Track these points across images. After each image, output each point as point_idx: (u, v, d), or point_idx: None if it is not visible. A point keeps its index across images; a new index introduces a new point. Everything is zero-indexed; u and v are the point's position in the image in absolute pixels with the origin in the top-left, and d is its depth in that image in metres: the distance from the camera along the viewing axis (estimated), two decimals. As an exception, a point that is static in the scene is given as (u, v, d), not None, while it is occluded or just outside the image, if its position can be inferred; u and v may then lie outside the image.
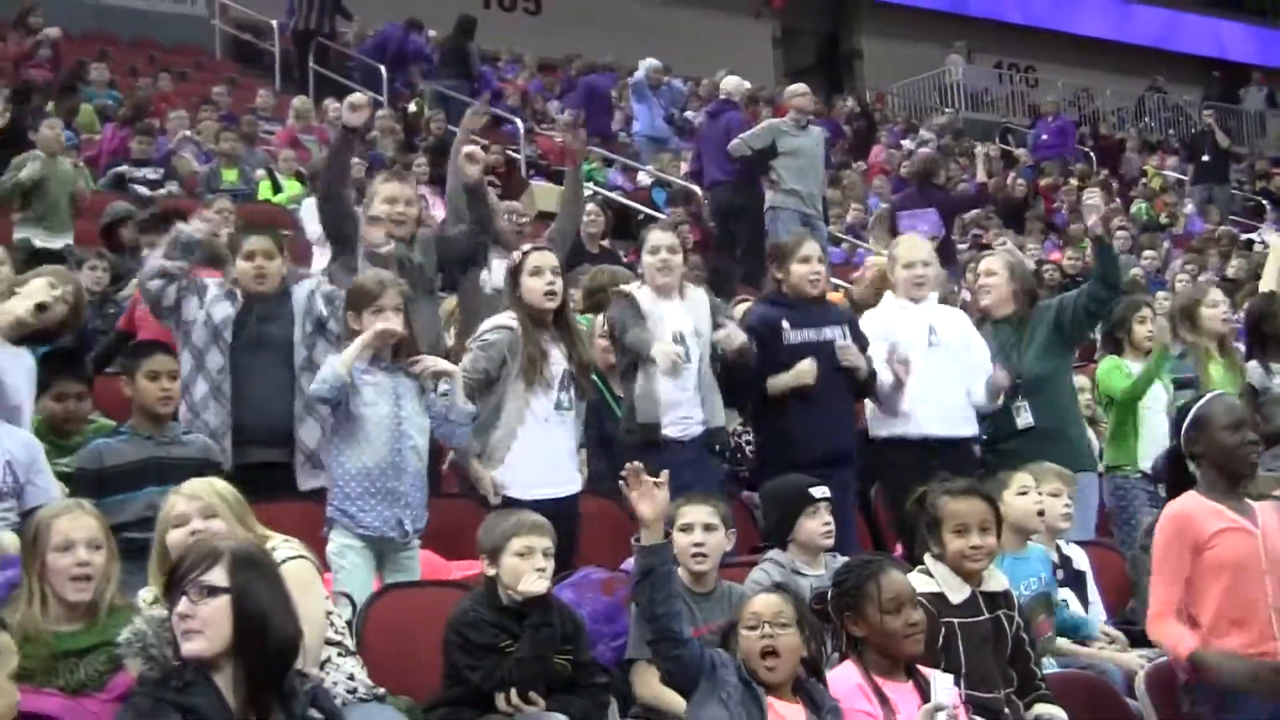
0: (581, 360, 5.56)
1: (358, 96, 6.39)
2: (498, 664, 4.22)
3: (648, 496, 4.20)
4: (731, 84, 12.31)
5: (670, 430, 5.82)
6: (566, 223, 6.63)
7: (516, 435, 5.42)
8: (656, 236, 6.08)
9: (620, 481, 4.28)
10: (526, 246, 5.69)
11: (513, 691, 4.18)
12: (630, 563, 5.40)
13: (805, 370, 5.96)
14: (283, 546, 3.96)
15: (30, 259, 7.66)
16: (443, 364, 5.20)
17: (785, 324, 6.10)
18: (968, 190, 13.09)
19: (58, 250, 8.91)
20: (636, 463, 4.28)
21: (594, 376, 6.42)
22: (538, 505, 4.90)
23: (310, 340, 5.65)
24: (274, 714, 3.12)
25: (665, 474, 4.25)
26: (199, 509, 3.91)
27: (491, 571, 4.41)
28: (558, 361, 5.50)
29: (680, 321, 5.93)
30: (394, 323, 5.04)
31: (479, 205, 6.44)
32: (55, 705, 3.66)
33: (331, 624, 4.09)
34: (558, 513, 4.95)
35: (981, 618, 4.42)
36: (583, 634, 4.49)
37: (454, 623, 4.32)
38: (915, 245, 6.54)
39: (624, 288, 6.11)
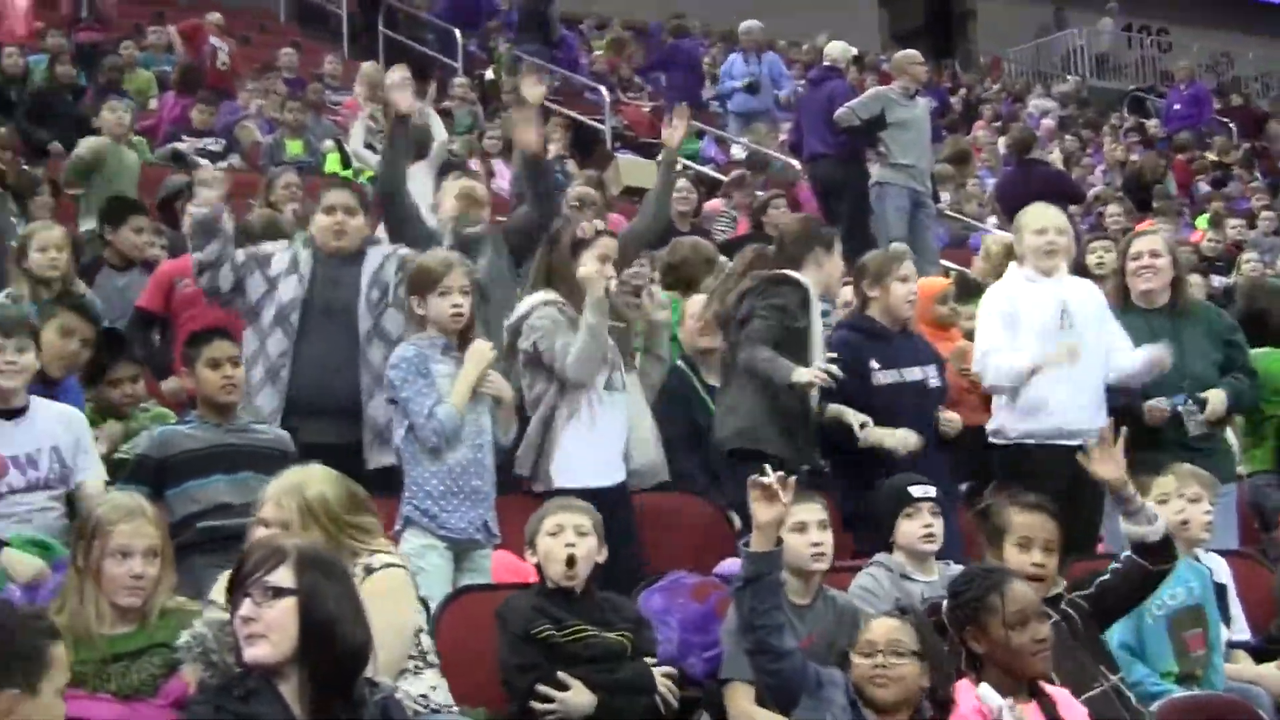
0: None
1: (397, 74, 6.39)
2: (541, 661, 4.35)
3: (769, 499, 4.17)
4: (836, 49, 12.19)
5: None
6: (651, 221, 6.32)
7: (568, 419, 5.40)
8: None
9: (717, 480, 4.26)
10: (599, 224, 5.63)
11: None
12: (724, 566, 5.42)
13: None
14: (382, 553, 3.95)
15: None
16: (506, 391, 5.19)
17: (874, 362, 5.94)
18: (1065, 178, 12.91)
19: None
20: (766, 465, 4.26)
21: (681, 364, 6.42)
22: (587, 495, 4.94)
23: (377, 309, 5.66)
24: (342, 724, 3.13)
25: (792, 478, 4.21)
26: (278, 519, 3.86)
27: (533, 559, 4.55)
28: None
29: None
30: (464, 305, 5.08)
31: (540, 179, 6.39)
32: (109, 712, 3.71)
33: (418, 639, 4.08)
34: (607, 502, 5.00)
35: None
36: (644, 627, 4.61)
37: (496, 613, 4.44)
38: (1045, 210, 6.40)
39: (793, 275, 5.83)
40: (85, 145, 9.62)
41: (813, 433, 5.77)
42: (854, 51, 13.63)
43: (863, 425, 5.61)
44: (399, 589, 3.93)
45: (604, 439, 5.40)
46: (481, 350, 5.04)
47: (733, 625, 4.59)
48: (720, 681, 4.58)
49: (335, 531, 3.82)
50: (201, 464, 4.97)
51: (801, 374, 5.50)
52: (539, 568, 4.57)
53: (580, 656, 4.44)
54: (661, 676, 4.53)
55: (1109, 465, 4.51)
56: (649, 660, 4.55)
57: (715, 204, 11.94)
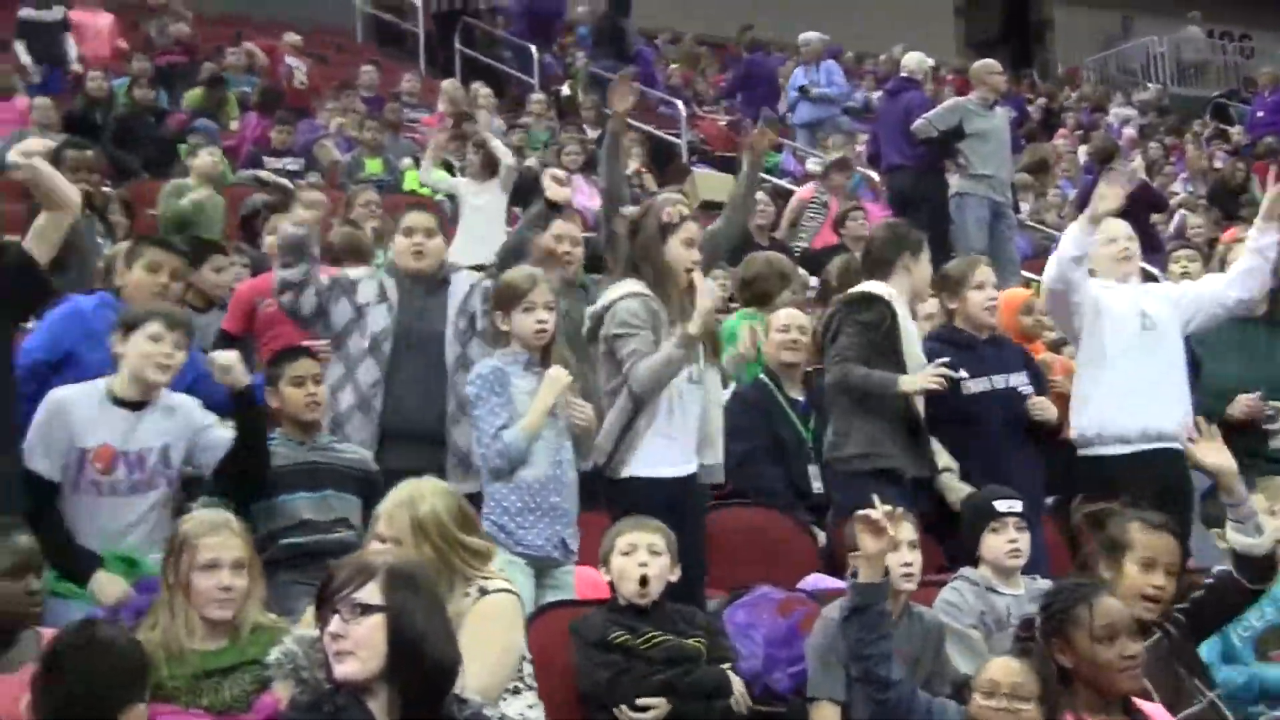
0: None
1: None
2: (621, 662, 4.39)
3: (876, 531, 4.16)
4: (913, 60, 12.15)
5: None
6: (730, 226, 6.22)
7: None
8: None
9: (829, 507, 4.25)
10: (684, 209, 5.59)
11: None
12: (808, 581, 5.41)
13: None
14: (496, 578, 3.97)
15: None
16: (589, 420, 5.18)
17: (963, 372, 5.94)
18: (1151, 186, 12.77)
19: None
20: (874, 497, 4.26)
21: (764, 377, 6.41)
22: (660, 484, 4.98)
23: (464, 337, 5.69)
24: (430, 743, 3.15)
25: (900, 510, 4.19)
26: (390, 535, 3.87)
27: (607, 577, 4.59)
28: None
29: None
30: (548, 321, 5.08)
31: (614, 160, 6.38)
32: (205, 726, 3.77)
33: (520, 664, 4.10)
34: (683, 492, 5.02)
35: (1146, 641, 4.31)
36: (718, 635, 4.66)
37: (571, 627, 4.47)
38: (1110, 220, 6.36)
39: (881, 293, 5.77)
40: (190, 200, 9.61)
41: (925, 438, 5.75)
42: (931, 62, 13.57)
43: None
44: (510, 614, 3.95)
45: (680, 430, 5.32)
46: (557, 378, 5.02)
47: (818, 643, 4.61)
48: (806, 699, 4.59)
49: (447, 550, 3.82)
50: (286, 480, 5.02)
51: (906, 381, 5.52)
52: (612, 586, 4.62)
53: (656, 660, 4.47)
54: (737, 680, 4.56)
55: (1216, 453, 4.47)
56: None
57: (807, 191, 11.92)
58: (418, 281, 5.75)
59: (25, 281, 4.60)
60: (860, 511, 4.20)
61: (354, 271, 5.94)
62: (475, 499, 5.27)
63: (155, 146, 11.88)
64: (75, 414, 4.66)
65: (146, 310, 4.93)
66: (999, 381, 6.00)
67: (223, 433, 4.90)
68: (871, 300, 5.71)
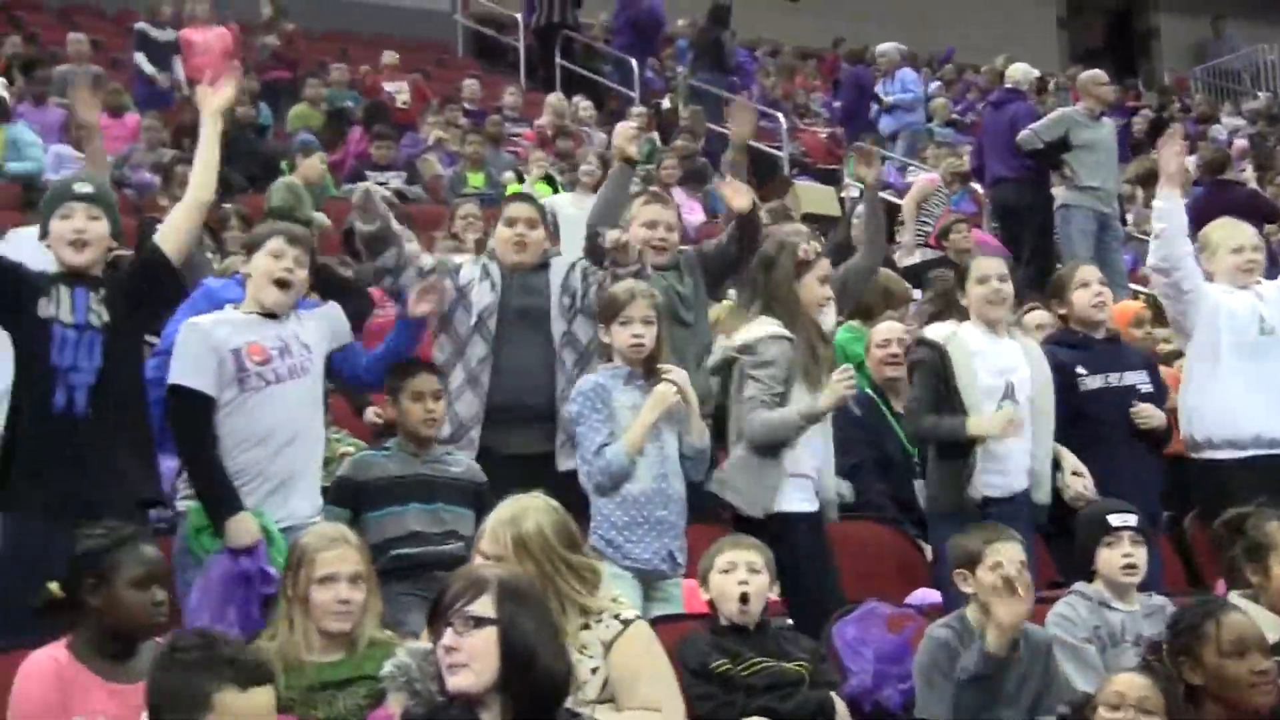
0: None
1: (628, 126, 6.50)
2: (720, 694, 4.37)
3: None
4: (1019, 72, 12.06)
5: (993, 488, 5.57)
6: (869, 259, 6.08)
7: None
8: (986, 265, 5.80)
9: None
10: (819, 246, 5.61)
11: None
12: (917, 596, 5.38)
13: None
14: (620, 603, 3.96)
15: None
16: (690, 392, 5.18)
17: (1080, 369, 5.91)
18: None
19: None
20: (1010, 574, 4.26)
21: (870, 392, 6.38)
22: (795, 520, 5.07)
23: (568, 314, 5.69)
24: (543, 754, 3.15)
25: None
26: (493, 552, 3.85)
27: (706, 596, 4.59)
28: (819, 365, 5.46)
29: (1010, 361, 5.67)
30: (645, 336, 5.08)
31: (750, 230, 6.30)
32: (324, 737, 3.82)
33: None
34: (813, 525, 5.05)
35: None
36: (822, 659, 4.63)
37: (677, 646, 4.43)
38: (1239, 227, 6.25)
39: (943, 335, 5.70)
40: (276, 197, 9.72)
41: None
42: (1036, 74, 13.46)
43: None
44: (655, 638, 3.95)
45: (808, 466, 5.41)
46: (663, 395, 5.01)
47: (924, 662, 4.58)
48: (914, 718, 4.56)
49: (550, 570, 3.78)
50: (399, 492, 5.04)
51: (975, 426, 5.47)
52: (712, 604, 4.61)
53: (758, 688, 4.44)
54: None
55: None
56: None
57: (933, 178, 11.87)
58: (517, 267, 5.77)
59: (159, 279, 4.69)
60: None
61: (456, 257, 5.98)
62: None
63: (257, 162, 12.03)
64: (215, 330, 4.73)
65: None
66: (1114, 379, 5.94)
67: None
68: (925, 345, 5.72)
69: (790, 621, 4.91)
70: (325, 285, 5.28)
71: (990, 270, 5.72)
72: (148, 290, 4.71)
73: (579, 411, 5.06)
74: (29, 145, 11.09)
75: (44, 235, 4.67)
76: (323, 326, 5.00)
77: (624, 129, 6.48)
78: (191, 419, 4.68)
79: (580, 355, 5.62)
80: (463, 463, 5.27)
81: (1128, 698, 3.96)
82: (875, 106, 15.88)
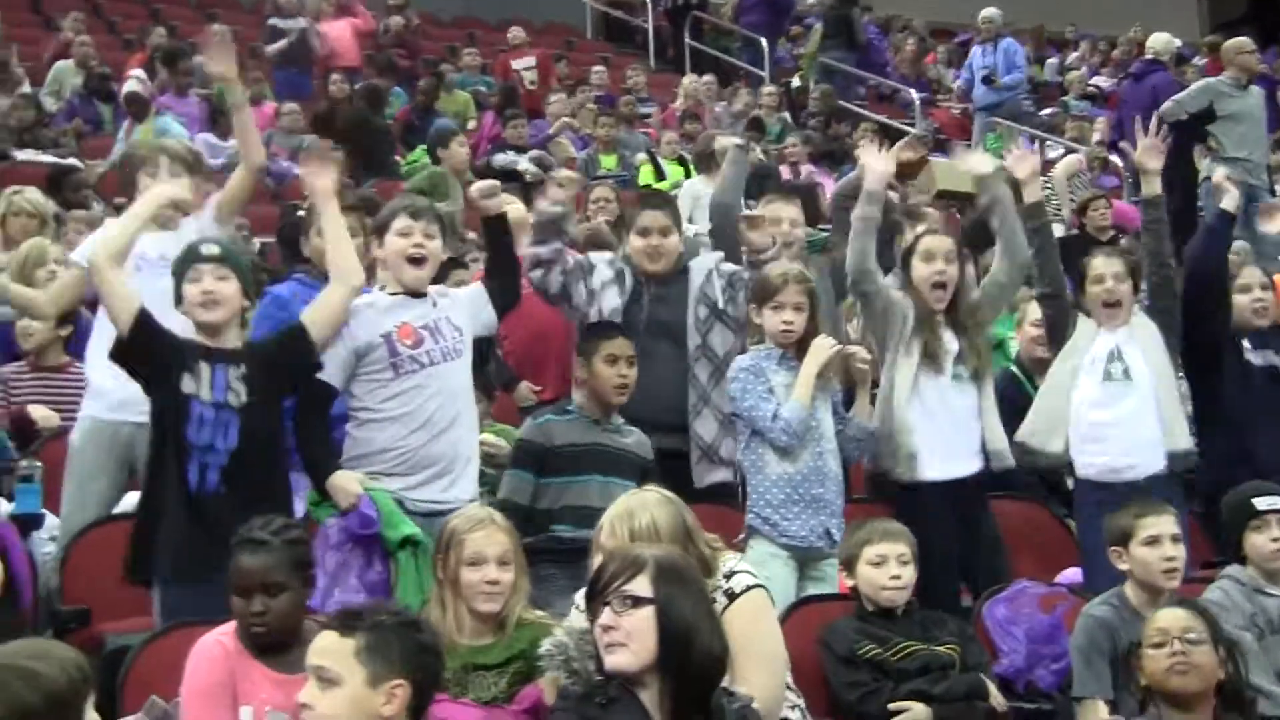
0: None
1: (730, 140, 6.50)
2: (869, 681, 4.38)
3: None
4: (1159, 41, 11.86)
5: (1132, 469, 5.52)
6: (1013, 269, 5.70)
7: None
8: (1100, 264, 5.70)
9: None
10: (921, 229, 5.57)
11: None
12: (1067, 575, 5.34)
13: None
14: (742, 572, 3.95)
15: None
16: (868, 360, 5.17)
17: (1245, 343, 5.87)
18: None
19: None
20: None
21: (1015, 369, 6.32)
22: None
23: (705, 325, 5.64)
24: (700, 733, 3.16)
25: None
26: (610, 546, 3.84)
27: (850, 582, 4.60)
28: (950, 341, 5.42)
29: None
30: (795, 321, 5.10)
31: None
32: (474, 717, 3.86)
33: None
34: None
35: None
36: (971, 640, 4.61)
37: (820, 638, 4.45)
38: None
39: None
40: (412, 182, 9.79)
41: None
42: (1177, 43, 13.22)
43: None
44: (765, 610, 3.94)
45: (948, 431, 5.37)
46: (822, 346, 5.05)
47: (1081, 642, 4.54)
48: (1071, 696, 4.52)
49: (683, 545, 3.77)
50: (585, 461, 5.03)
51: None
52: (856, 591, 4.61)
53: (909, 671, 4.44)
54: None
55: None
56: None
57: (1079, 158, 11.71)
58: (652, 276, 5.74)
59: (300, 359, 4.69)
60: None
61: (595, 255, 5.95)
62: (723, 489, 5.42)
63: (380, 149, 12.11)
64: (362, 314, 4.77)
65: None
66: (1276, 358, 5.88)
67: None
68: None
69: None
70: (495, 251, 5.21)
71: (1105, 270, 5.64)
72: (290, 367, 4.70)
73: (741, 388, 5.10)
74: (175, 137, 11.30)
75: (179, 301, 4.68)
76: (470, 309, 5.01)
77: (722, 142, 6.45)
78: (309, 405, 4.75)
79: (715, 368, 5.55)
80: (634, 433, 5.22)
81: (1170, 631, 4.01)
82: (967, 75, 15.55)
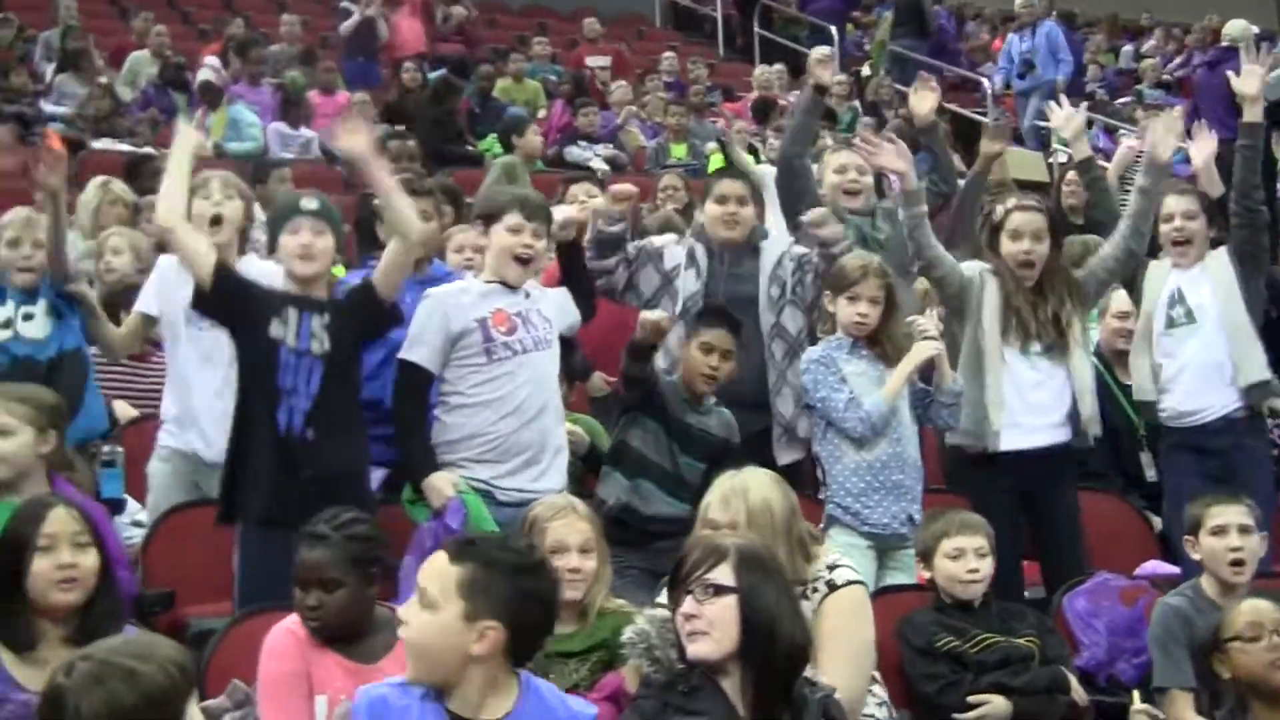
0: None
1: (822, 50, 6.47)
2: (948, 674, 4.36)
3: None
4: (1235, 28, 11.70)
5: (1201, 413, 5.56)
6: (1126, 254, 5.63)
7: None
8: (1172, 203, 5.75)
9: None
10: (1010, 203, 5.51)
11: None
12: (1147, 568, 5.30)
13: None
14: (845, 566, 3.96)
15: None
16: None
17: None
18: None
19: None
20: None
21: (1095, 359, 6.26)
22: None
23: (777, 305, 5.63)
24: (781, 723, 3.15)
25: None
26: (727, 520, 3.86)
27: (926, 574, 4.57)
28: (1037, 315, 5.37)
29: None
30: (870, 315, 5.11)
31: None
32: (555, 702, 3.85)
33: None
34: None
35: None
36: (1050, 633, 4.57)
37: (897, 630, 4.43)
38: None
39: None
40: (493, 172, 9.82)
41: None
42: (1255, 30, 13.02)
43: None
44: (863, 607, 3.95)
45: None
46: (924, 348, 5.04)
47: (1158, 633, 4.52)
48: (1153, 689, 4.48)
49: (774, 541, 3.77)
50: (680, 441, 5.08)
51: None
52: (932, 582, 4.59)
53: (988, 664, 4.41)
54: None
55: None
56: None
57: (1135, 145, 11.54)
58: (728, 249, 5.71)
59: (373, 314, 4.70)
60: None
61: (659, 239, 5.93)
62: (796, 469, 5.40)
63: (443, 137, 12.03)
64: (455, 302, 4.80)
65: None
66: None
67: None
68: None
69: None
70: (570, 275, 5.20)
71: (1175, 208, 5.68)
72: (363, 323, 4.72)
73: (814, 379, 5.10)
74: (249, 125, 11.40)
75: (272, 250, 4.76)
76: (558, 308, 5.02)
77: (819, 52, 6.44)
78: (409, 392, 4.79)
79: (789, 347, 5.55)
80: (721, 414, 5.22)
81: (1265, 624, 3.94)
82: (1008, 65, 15.41)
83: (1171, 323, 5.65)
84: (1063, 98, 9.53)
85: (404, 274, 4.76)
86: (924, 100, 6.59)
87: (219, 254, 4.66)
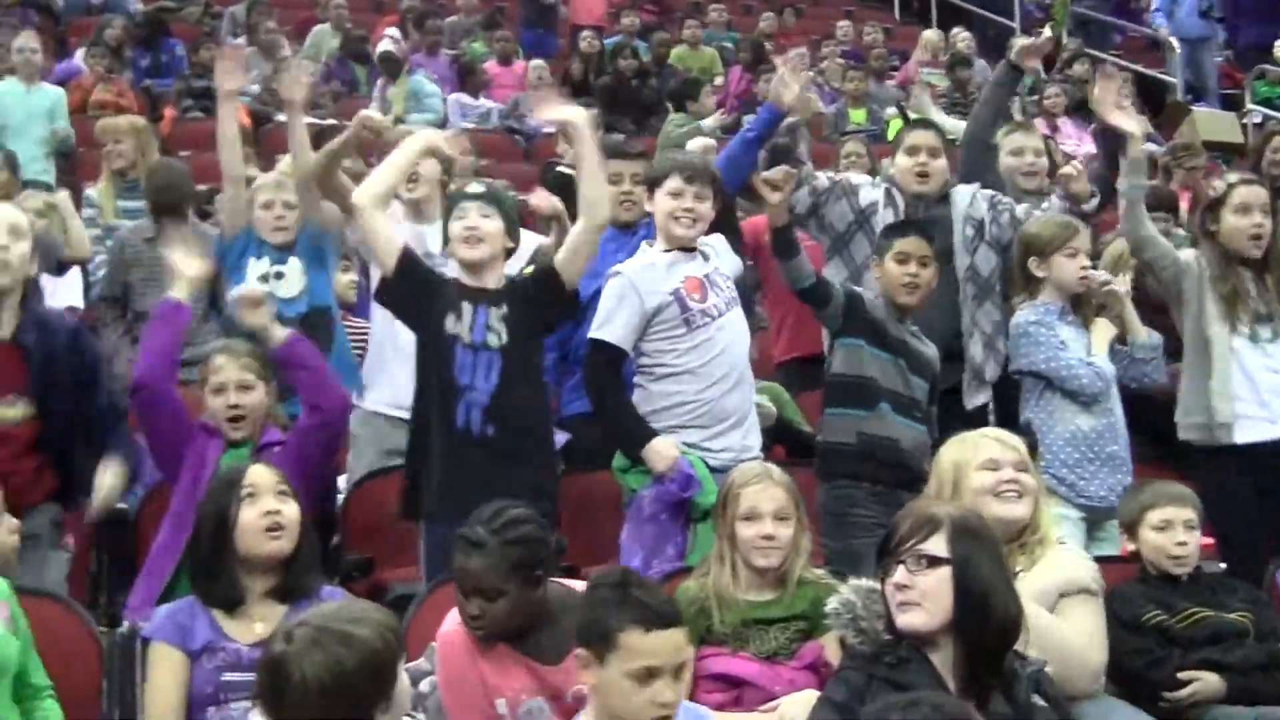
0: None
1: (1030, 40, 6.37)
2: (1155, 649, 4.22)
3: None
4: None
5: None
6: None
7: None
8: (1248, 193, 5.29)
9: None
10: (1233, 178, 5.34)
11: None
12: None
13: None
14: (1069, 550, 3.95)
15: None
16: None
17: None
18: None
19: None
20: None
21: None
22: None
23: (971, 245, 5.56)
24: (993, 698, 3.08)
25: None
26: (934, 490, 3.88)
27: (1131, 546, 4.43)
28: (1261, 297, 5.22)
29: None
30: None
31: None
32: (754, 670, 3.88)
33: None
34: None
35: None
36: (1265, 606, 4.42)
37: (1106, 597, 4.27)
38: None
39: None
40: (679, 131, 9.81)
41: None
42: None
43: None
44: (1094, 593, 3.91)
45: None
46: (1115, 292, 5.06)
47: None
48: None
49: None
50: (892, 345, 5.00)
51: None
52: (1138, 555, 4.43)
53: (1197, 639, 4.27)
54: None
55: None
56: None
57: None
58: (920, 201, 5.64)
59: (556, 300, 4.67)
60: None
61: (855, 177, 5.89)
62: (982, 413, 5.39)
63: (639, 107, 12.16)
64: (643, 277, 4.78)
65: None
66: None
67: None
68: None
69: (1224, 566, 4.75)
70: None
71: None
72: (543, 311, 4.69)
73: (1034, 342, 5.09)
74: (429, 96, 11.51)
75: (446, 240, 4.76)
76: (730, 259, 5.02)
77: (1025, 42, 6.32)
78: (603, 371, 4.77)
79: (980, 289, 5.52)
80: (931, 349, 5.13)
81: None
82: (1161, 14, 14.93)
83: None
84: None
85: (590, 257, 4.73)
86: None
87: (404, 241, 4.67)
